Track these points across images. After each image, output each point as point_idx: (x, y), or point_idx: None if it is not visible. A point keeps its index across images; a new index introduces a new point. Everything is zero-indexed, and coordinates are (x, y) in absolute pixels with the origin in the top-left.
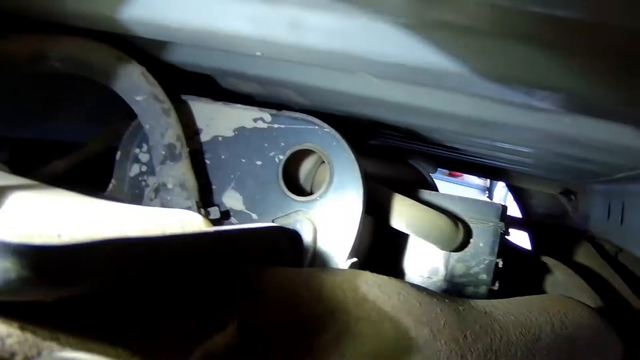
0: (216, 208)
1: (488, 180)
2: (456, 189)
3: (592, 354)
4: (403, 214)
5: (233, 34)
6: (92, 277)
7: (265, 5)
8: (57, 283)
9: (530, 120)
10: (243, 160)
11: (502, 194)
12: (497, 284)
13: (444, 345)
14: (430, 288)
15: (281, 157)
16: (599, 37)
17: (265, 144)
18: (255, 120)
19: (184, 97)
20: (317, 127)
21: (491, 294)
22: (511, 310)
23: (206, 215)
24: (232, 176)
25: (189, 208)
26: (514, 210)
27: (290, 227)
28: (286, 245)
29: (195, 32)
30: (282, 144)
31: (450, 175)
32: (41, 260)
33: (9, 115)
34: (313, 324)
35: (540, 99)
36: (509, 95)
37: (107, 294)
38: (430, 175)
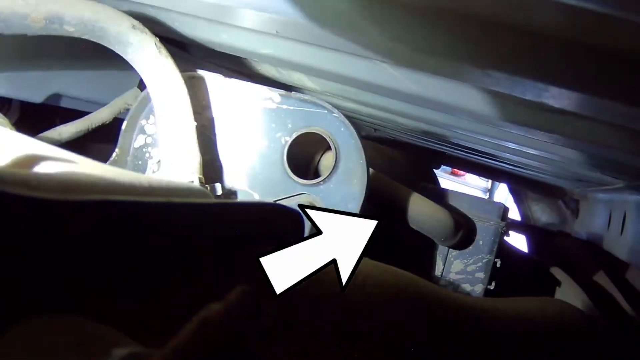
0: (219, 184)
1: (490, 182)
2: (457, 188)
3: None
4: (405, 205)
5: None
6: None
7: None
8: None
9: (542, 121)
10: (249, 139)
11: (503, 196)
12: (493, 283)
13: (437, 339)
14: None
15: (287, 138)
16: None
17: (273, 125)
18: (264, 99)
19: (194, 71)
20: (326, 111)
21: (487, 293)
22: (506, 309)
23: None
24: (237, 154)
25: (191, 183)
26: (514, 213)
27: None
28: (289, 226)
29: (211, 5)
30: (290, 125)
31: (453, 173)
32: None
33: (21, 77)
34: (311, 309)
35: (554, 98)
36: (521, 92)
37: (104, 256)
38: (433, 171)
